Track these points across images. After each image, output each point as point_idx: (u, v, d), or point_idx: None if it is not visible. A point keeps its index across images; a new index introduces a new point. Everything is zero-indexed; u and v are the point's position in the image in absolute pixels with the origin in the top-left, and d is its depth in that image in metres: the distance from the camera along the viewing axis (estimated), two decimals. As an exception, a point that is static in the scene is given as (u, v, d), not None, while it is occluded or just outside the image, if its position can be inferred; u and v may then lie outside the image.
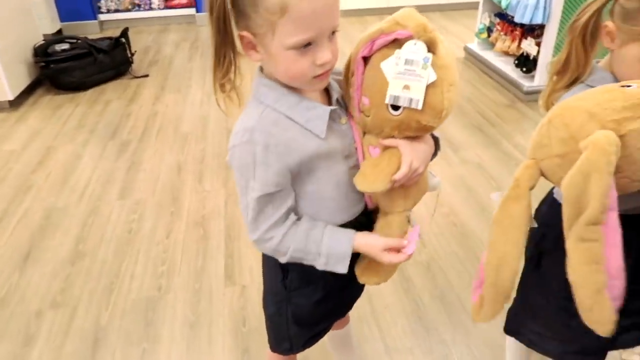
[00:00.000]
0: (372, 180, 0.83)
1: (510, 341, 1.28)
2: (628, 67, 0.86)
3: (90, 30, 4.61)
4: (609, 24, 0.88)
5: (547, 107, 0.99)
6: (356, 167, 0.87)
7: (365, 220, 0.93)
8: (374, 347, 1.54)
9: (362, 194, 0.89)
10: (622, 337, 1.03)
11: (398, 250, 0.86)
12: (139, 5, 4.92)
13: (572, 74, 0.93)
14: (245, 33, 0.75)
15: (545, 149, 0.77)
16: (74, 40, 3.55)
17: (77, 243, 2.01)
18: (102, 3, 4.84)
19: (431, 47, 0.76)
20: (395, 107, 0.78)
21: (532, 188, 0.81)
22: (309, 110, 0.81)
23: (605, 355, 1.08)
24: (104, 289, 1.78)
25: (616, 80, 0.89)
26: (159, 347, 1.56)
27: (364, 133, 0.86)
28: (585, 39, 0.90)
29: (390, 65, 0.77)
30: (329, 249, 0.84)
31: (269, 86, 0.81)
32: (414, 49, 0.75)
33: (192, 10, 4.98)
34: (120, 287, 1.79)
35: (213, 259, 1.91)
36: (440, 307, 1.67)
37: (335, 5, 0.73)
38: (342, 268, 0.85)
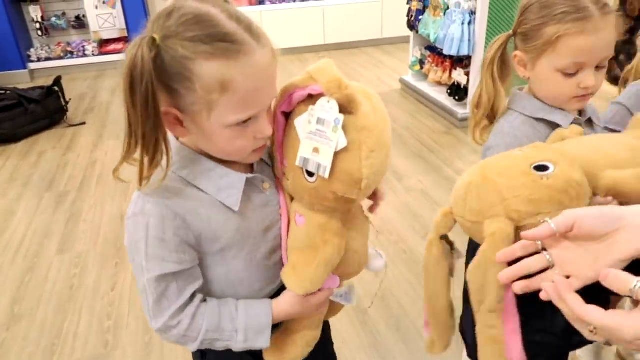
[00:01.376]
0: (303, 278, 0.75)
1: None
2: (548, 82, 0.93)
3: (20, 79, 4.45)
4: (517, 53, 0.96)
5: (476, 140, 1.05)
6: (278, 239, 0.79)
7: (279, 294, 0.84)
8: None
9: (279, 272, 0.80)
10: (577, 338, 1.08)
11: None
12: (71, 53, 4.82)
13: (485, 106, 0.99)
14: (171, 110, 0.66)
15: (460, 209, 0.78)
16: (2, 91, 3.41)
17: (12, 305, 1.88)
18: (32, 52, 4.70)
19: (348, 106, 0.66)
20: (310, 173, 0.70)
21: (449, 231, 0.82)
22: (221, 178, 0.73)
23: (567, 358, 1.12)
24: (44, 353, 1.66)
25: (538, 101, 0.95)
26: (108, 409, 1.47)
27: (292, 198, 0.78)
28: (493, 74, 0.98)
29: (303, 123, 0.69)
30: (246, 323, 0.75)
31: (181, 154, 0.73)
32: (327, 108, 0.66)
33: (128, 55, 4.92)
34: (62, 348, 1.68)
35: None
36: (397, 336, 1.67)
37: (274, 78, 0.69)
38: (264, 342, 0.77)
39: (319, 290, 0.78)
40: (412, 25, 3.72)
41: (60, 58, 4.77)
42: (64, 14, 4.80)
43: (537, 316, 0.89)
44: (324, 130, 0.67)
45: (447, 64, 3.48)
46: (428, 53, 3.71)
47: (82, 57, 4.82)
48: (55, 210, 2.50)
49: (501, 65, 1.00)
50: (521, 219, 0.70)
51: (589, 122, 1.01)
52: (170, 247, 0.70)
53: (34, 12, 4.63)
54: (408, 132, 3.27)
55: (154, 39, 0.61)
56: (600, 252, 0.56)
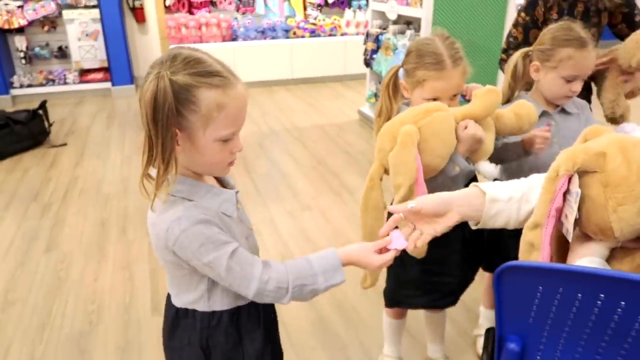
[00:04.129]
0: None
1: (386, 322, 1.65)
2: (419, 102, 1.31)
3: (2, 104, 4.70)
4: (402, 82, 1.35)
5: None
6: (253, 248, 1.01)
7: None
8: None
9: None
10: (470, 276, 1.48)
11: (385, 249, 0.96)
12: (53, 81, 5.12)
13: (384, 116, 1.38)
14: (176, 131, 0.85)
15: (383, 152, 1.22)
16: (-11, 113, 3.69)
17: (5, 293, 2.14)
18: (15, 78, 4.98)
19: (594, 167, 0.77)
20: None
21: (381, 179, 1.25)
22: (218, 195, 0.93)
23: (460, 294, 1.50)
24: (37, 328, 1.93)
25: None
26: (93, 370, 1.75)
27: None
28: (389, 93, 1.37)
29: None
30: (321, 267, 0.92)
31: (180, 181, 0.89)
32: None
33: (107, 84, 5.25)
34: (52, 324, 1.95)
35: (140, 295, 2.13)
36: (339, 313, 2.01)
37: (247, 108, 0.91)
38: (340, 276, 0.93)
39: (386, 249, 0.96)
40: (367, 63, 4.19)
41: (42, 85, 5.07)
42: (47, 44, 5.13)
43: (436, 262, 1.33)
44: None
45: (398, 97, 3.94)
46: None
47: (63, 84, 5.13)
48: (41, 218, 2.78)
49: (393, 87, 1.38)
50: (417, 123, 1.19)
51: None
52: (223, 233, 0.90)
53: (19, 42, 4.94)
54: (362, 155, 3.67)
55: (167, 74, 0.82)
56: (438, 222, 0.96)
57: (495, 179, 1.46)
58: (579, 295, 0.66)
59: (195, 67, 0.84)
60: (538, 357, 0.75)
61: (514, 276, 0.73)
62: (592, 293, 0.64)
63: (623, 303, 0.62)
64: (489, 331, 0.95)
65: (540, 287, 0.69)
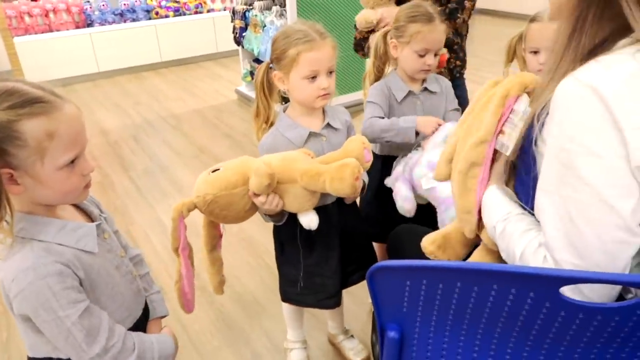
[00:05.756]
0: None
1: (285, 308, 1.68)
2: (298, 89, 1.29)
3: None
4: (275, 73, 1.32)
5: (259, 139, 1.41)
6: (128, 275, 1.00)
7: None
8: (191, 356, 1.81)
9: (139, 302, 1.05)
10: (351, 279, 1.51)
11: None
12: None
13: (263, 116, 1.37)
14: (4, 170, 0.78)
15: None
16: None
17: None
18: None
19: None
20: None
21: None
22: (74, 231, 0.87)
23: (341, 294, 1.54)
24: None
25: (288, 118, 1.37)
26: None
27: None
28: (264, 91, 1.35)
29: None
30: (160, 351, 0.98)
31: (24, 219, 0.83)
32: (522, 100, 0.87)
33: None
34: None
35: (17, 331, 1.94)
36: (239, 308, 2.01)
37: (84, 125, 0.86)
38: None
39: None
40: (238, 42, 4.09)
41: None
42: None
43: (316, 265, 1.37)
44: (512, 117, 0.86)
45: (273, 73, 3.91)
46: (256, 65, 4.11)
47: None
48: None
49: (268, 85, 1.36)
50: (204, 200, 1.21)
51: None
52: (74, 291, 0.84)
53: None
54: (246, 137, 3.62)
55: None
56: None
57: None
58: (440, 285, 0.72)
59: (9, 100, 0.77)
60: (415, 342, 0.81)
61: (385, 274, 0.77)
62: (450, 283, 0.70)
63: (476, 288, 0.69)
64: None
65: (408, 282, 0.75)
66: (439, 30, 1.49)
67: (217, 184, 1.17)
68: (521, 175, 0.84)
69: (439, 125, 1.46)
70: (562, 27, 0.75)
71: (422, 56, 1.50)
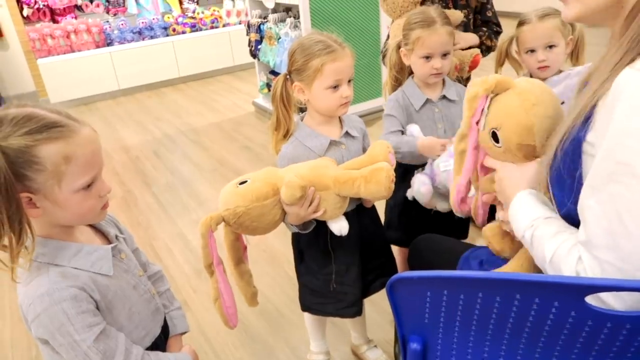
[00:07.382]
0: None
1: (307, 319, 1.68)
2: (320, 99, 1.30)
3: None
4: (296, 84, 1.32)
5: (276, 152, 1.41)
6: (147, 293, 1.00)
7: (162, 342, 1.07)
8: (213, 368, 1.81)
9: (158, 321, 1.05)
10: (372, 286, 1.50)
11: None
12: None
13: (283, 127, 1.37)
14: (23, 195, 0.79)
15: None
16: None
17: None
18: None
19: (503, 88, 0.96)
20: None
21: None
22: (90, 254, 0.88)
23: (362, 303, 1.53)
24: None
25: (307, 127, 1.37)
26: None
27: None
28: (284, 103, 1.35)
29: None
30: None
31: (42, 244, 0.84)
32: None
33: (-29, 111, 4.71)
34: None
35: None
36: (261, 319, 2.01)
37: (101, 147, 0.87)
38: None
39: None
40: (253, 54, 4.13)
41: None
42: None
43: (336, 273, 1.38)
44: None
45: (289, 84, 3.94)
46: (272, 77, 4.15)
47: None
48: None
49: (286, 96, 1.36)
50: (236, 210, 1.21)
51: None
52: (89, 314, 0.84)
53: None
54: (264, 149, 3.64)
55: None
56: None
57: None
58: (462, 296, 0.70)
59: (27, 125, 0.78)
60: (438, 354, 0.80)
61: (405, 285, 0.76)
62: (471, 293, 0.69)
63: (498, 298, 0.67)
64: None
65: (429, 293, 0.74)
66: (440, 33, 1.48)
67: (248, 196, 1.17)
68: (562, 178, 0.79)
69: (443, 145, 1.43)
70: (614, 26, 0.73)
71: (427, 60, 1.50)
